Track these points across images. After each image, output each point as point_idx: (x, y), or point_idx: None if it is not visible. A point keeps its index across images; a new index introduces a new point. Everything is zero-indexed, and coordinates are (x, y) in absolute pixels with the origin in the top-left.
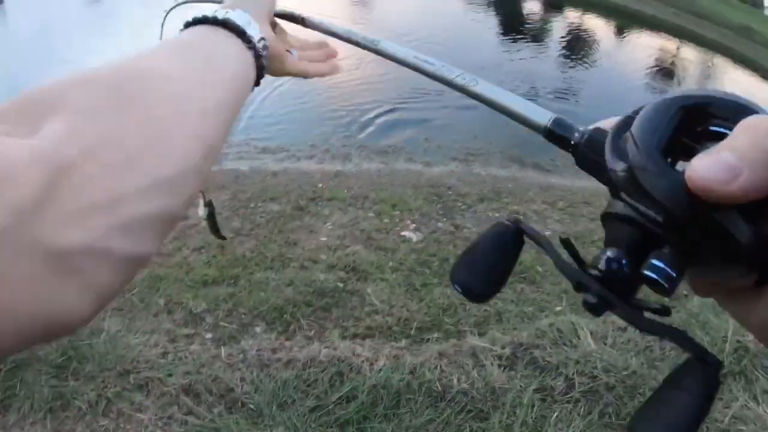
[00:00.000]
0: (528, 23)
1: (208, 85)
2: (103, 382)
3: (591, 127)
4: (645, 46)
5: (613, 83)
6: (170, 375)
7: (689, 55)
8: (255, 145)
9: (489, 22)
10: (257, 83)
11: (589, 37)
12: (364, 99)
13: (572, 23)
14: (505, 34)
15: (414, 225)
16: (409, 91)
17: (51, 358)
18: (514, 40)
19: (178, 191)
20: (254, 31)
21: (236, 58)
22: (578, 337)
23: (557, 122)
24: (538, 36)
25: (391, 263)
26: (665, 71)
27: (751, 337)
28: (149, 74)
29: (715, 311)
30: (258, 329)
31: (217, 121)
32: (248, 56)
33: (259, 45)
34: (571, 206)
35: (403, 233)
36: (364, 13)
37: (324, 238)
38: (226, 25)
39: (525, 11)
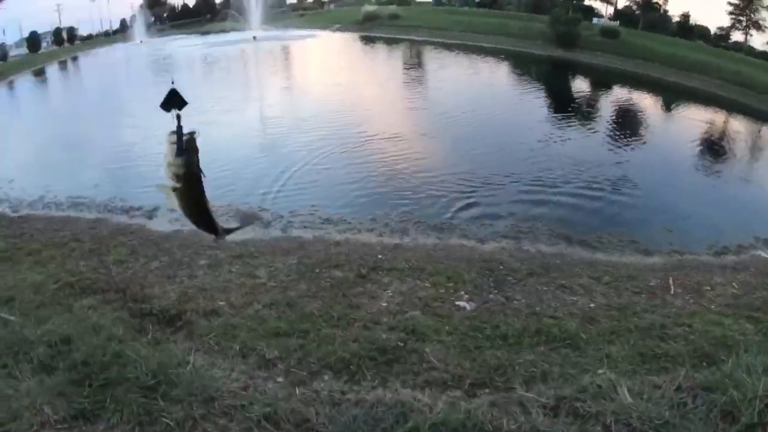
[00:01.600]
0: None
1: None
2: (189, 405)
3: None
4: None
5: (670, 165)
6: (252, 404)
7: (737, 126)
8: (319, 215)
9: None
10: None
11: (638, 114)
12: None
13: (619, 100)
14: (555, 112)
15: (467, 296)
16: (466, 182)
17: (141, 379)
18: (563, 118)
19: None
20: None
21: None
22: (616, 392)
23: None
24: (587, 114)
25: (447, 327)
26: (714, 144)
27: None
28: None
29: (749, 371)
30: (326, 377)
31: None
32: None
33: None
34: (616, 280)
35: (457, 303)
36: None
37: (384, 304)
38: None
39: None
